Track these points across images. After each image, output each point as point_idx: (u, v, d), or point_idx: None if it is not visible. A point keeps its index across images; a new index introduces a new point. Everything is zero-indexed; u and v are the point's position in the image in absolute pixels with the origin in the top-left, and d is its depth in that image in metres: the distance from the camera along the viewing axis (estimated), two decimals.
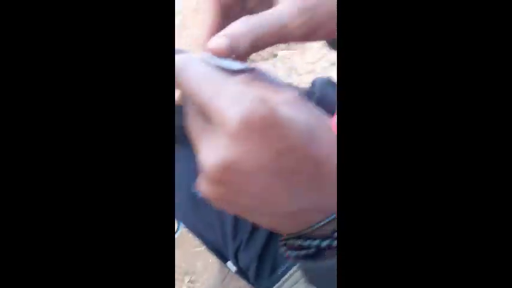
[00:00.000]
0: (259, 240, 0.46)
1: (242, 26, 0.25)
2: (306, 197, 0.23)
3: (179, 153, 0.54)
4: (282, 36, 0.25)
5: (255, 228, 0.47)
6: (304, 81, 1.47)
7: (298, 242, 0.25)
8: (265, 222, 0.25)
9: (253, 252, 0.46)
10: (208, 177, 0.23)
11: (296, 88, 0.55)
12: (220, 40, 0.24)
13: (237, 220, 0.48)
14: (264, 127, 0.21)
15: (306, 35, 0.26)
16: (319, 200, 0.24)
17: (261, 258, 0.45)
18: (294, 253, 0.26)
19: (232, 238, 0.48)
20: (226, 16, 0.28)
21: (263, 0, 0.28)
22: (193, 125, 0.24)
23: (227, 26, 0.25)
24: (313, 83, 0.57)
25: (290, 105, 0.23)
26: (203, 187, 0.23)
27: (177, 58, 0.24)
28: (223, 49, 0.24)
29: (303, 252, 0.25)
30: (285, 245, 0.27)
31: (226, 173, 0.22)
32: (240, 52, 0.25)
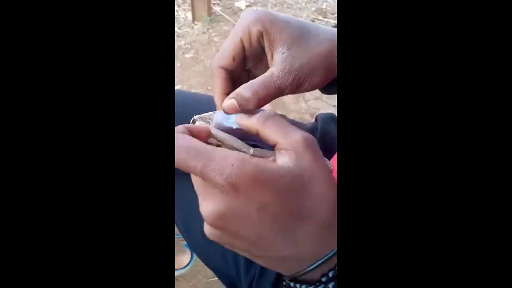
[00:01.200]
0: (272, 273, 0.47)
1: (246, 92, 0.31)
2: (289, 245, 0.27)
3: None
4: (277, 93, 0.32)
5: None
6: (312, 107, 1.49)
7: (291, 284, 0.29)
8: (263, 263, 0.30)
9: (266, 286, 0.46)
10: (207, 224, 0.28)
11: (302, 125, 0.57)
12: (230, 102, 0.32)
13: None
14: (248, 185, 0.25)
15: (297, 88, 0.32)
16: (301, 250, 0.28)
17: None
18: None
19: (245, 272, 0.49)
20: (232, 77, 0.35)
21: (259, 62, 0.35)
22: (197, 187, 0.29)
23: (235, 89, 0.32)
24: (317, 118, 0.58)
25: (294, 151, 0.27)
26: (206, 230, 0.29)
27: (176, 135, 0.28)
28: (234, 108, 0.31)
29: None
30: (284, 283, 0.31)
31: (218, 221, 0.27)
32: (247, 109, 0.31)
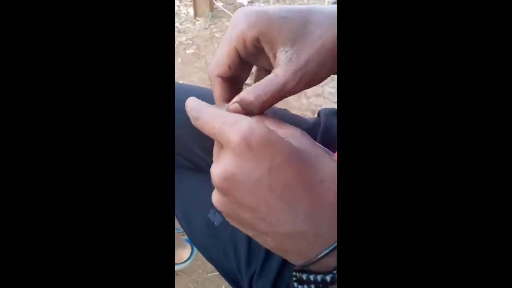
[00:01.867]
0: (273, 269, 0.47)
1: (250, 96, 0.30)
2: (302, 219, 0.25)
3: (198, 181, 0.56)
4: (284, 95, 0.31)
5: (268, 257, 0.48)
6: (313, 104, 1.49)
7: (303, 277, 0.28)
8: (270, 244, 0.28)
9: (267, 280, 0.47)
10: (215, 187, 0.27)
11: (304, 121, 0.57)
12: (233, 106, 0.31)
13: (250, 248, 0.50)
14: (260, 144, 0.25)
15: (304, 87, 0.31)
16: (316, 226, 0.26)
17: (274, 286, 0.46)
18: (301, 287, 0.28)
19: (246, 266, 0.49)
20: (231, 81, 0.34)
21: (260, 54, 0.33)
22: (214, 153, 0.29)
23: (236, 87, 0.33)
24: (319, 114, 0.58)
25: (291, 136, 0.27)
26: (214, 198, 0.28)
27: (192, 100, 0.30)
28: (239, 112, 0.31)
29: (313, 286, 0.27)
30: (295, 279, 0.29)
31: (227, 183, 0.26)
32: (252, 112, 0.31)
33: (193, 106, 0.29)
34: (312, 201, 0.25)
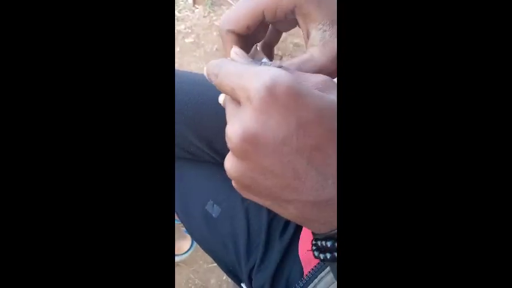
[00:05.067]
0: (273, 261, 0.46)
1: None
2: (331, 185, 0.22)
3: (195, 172, 0.55)
4: None
5: (267, 250, 0.47)
6: None
7: (328, 244, 0.25)
8: (292, 213, 0.24)
9: (266, 273, 0.46)
10: (231, 151, 0.23)
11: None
12: None
13: (250, 241, 0.49)
14: (287, 96, 0.20)
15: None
16: None
17: (274, 279, 0.46)
18: (323, 255, 0.25)
19: (245, 259, 0.48)
20: (245, 39, 0.30)
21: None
22: (227, 113, 0.24)
23: (247, 46, 0.29)
24: None
25: (318, 86, 0.23)
26: (228, 164, 0.23)
27: (213, 60, 0.26)
28: None
29: (333, 254, 0.25)
30: (315, 246, 0.26)
31: (246, 145, 0.21)
32: None
33: (215, 63, 0.25)
34: None
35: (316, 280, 0.39)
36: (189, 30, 1.73)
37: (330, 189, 0.22)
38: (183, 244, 1.03)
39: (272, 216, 0.50)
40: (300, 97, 0.21)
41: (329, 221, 0.24)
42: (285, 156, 0.21)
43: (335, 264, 0.25)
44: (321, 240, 0.25)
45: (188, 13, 1.82)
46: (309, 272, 0.40)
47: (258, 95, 0.21)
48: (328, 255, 0.25)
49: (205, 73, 0.26)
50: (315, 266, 0.40)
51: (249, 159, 0.22)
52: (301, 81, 0.22)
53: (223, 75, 0.24)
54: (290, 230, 0.49)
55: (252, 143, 0.21)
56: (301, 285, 0.40)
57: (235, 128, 0.22)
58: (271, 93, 0.20)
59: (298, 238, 0.48)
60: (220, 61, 0.25)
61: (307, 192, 0.22)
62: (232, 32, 0.29)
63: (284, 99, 0.20)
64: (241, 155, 0.22)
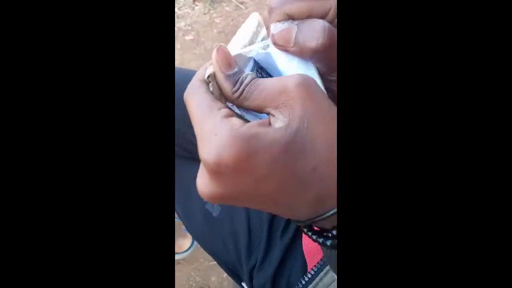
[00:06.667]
0: (274, 260, 0.46)
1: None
2: (307, 208, 0.24)
3: (195, 170, 0.55)
4: None
5: (269, 249, 0.47)
6: None
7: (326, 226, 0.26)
8: (282, 212, 0.26)
9: (267, 272, 0.46)
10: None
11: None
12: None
13: (251, 240, 0.49)
14: (236, 162, 0.21)
15: None
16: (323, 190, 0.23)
17: (275, 278, 0.45)
18: (315, 237, 0.26)
19: (246, 258, 0.48)
20: None
21: None
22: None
23: None
24: None
25: (274, 124, 0.23)
26: (198, 185, 0.25)
27: (189, 86, 0.26)
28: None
29: (325, 236, 0.25)
30: (305, 227, 0.27)
31: (213, 200, 0.24)
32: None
33: (189, 89, 0.26)
34: (303, 188, 0.23)
35: (321, 273, 0.40)
36: (189, 28, 1.72)
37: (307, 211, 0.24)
38: (184, 242, 1.04)
39: (273, 214, 0.50)
40: (251, 157, 0.21)
41: (312, 210, 0.25)
42: (254, 203, 0.24)
43: (329, 251, 0.26)
44: (305, 227, 0.26)
45: (188, 10, 1.81)
46: (314, 266, 0.41)
47: (208, 167, 0.22)
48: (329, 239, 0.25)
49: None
50: (317, 263, 0.41)
51: (221, 200, 0.24)
52: (253, 137, 0.22)
53: (190, 113, 0.25)
54: (291, 229, 0.49)
55: (216, 199, 0.24)
56: (306, 279, 0.41)
57: (199, 183, 0.24)
58: (219, 164, 0.21)
59: (300, 236, 0.48)
60: (189, 94, 0.25)
61: (286, 207, 0.25)
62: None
63: (233, 165, 0.21)
64: (219, 202, 0.25)
